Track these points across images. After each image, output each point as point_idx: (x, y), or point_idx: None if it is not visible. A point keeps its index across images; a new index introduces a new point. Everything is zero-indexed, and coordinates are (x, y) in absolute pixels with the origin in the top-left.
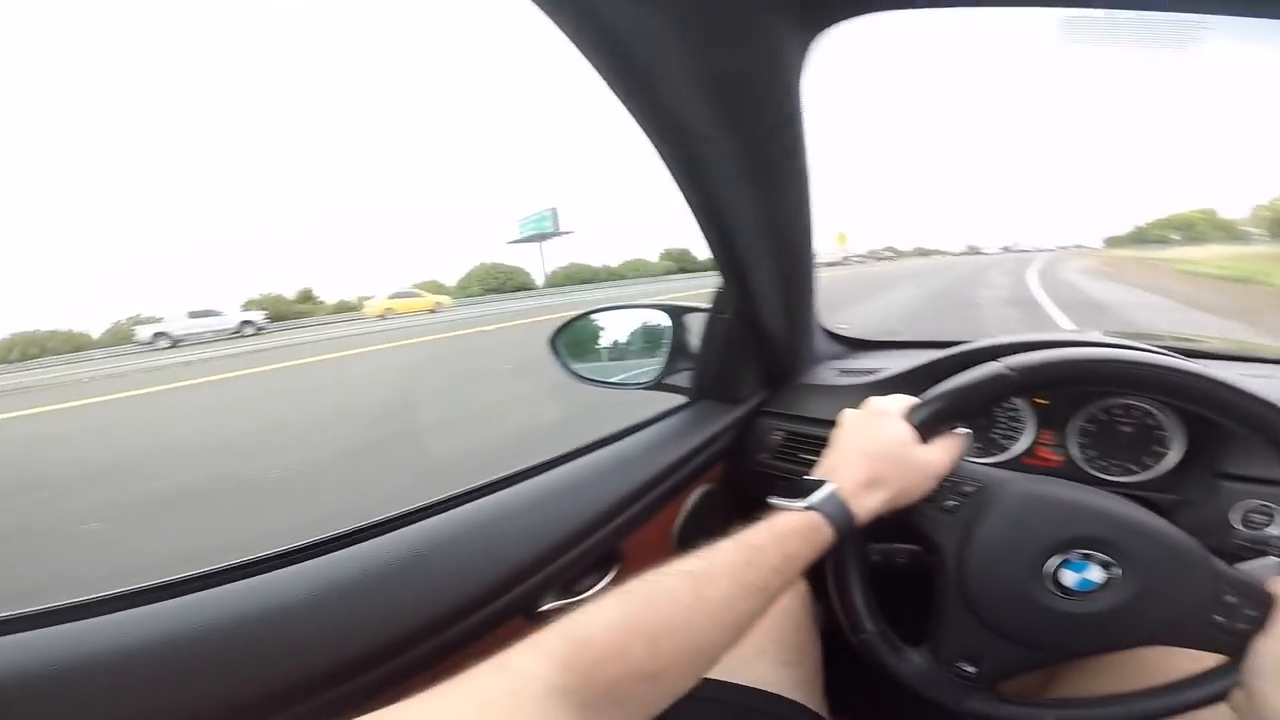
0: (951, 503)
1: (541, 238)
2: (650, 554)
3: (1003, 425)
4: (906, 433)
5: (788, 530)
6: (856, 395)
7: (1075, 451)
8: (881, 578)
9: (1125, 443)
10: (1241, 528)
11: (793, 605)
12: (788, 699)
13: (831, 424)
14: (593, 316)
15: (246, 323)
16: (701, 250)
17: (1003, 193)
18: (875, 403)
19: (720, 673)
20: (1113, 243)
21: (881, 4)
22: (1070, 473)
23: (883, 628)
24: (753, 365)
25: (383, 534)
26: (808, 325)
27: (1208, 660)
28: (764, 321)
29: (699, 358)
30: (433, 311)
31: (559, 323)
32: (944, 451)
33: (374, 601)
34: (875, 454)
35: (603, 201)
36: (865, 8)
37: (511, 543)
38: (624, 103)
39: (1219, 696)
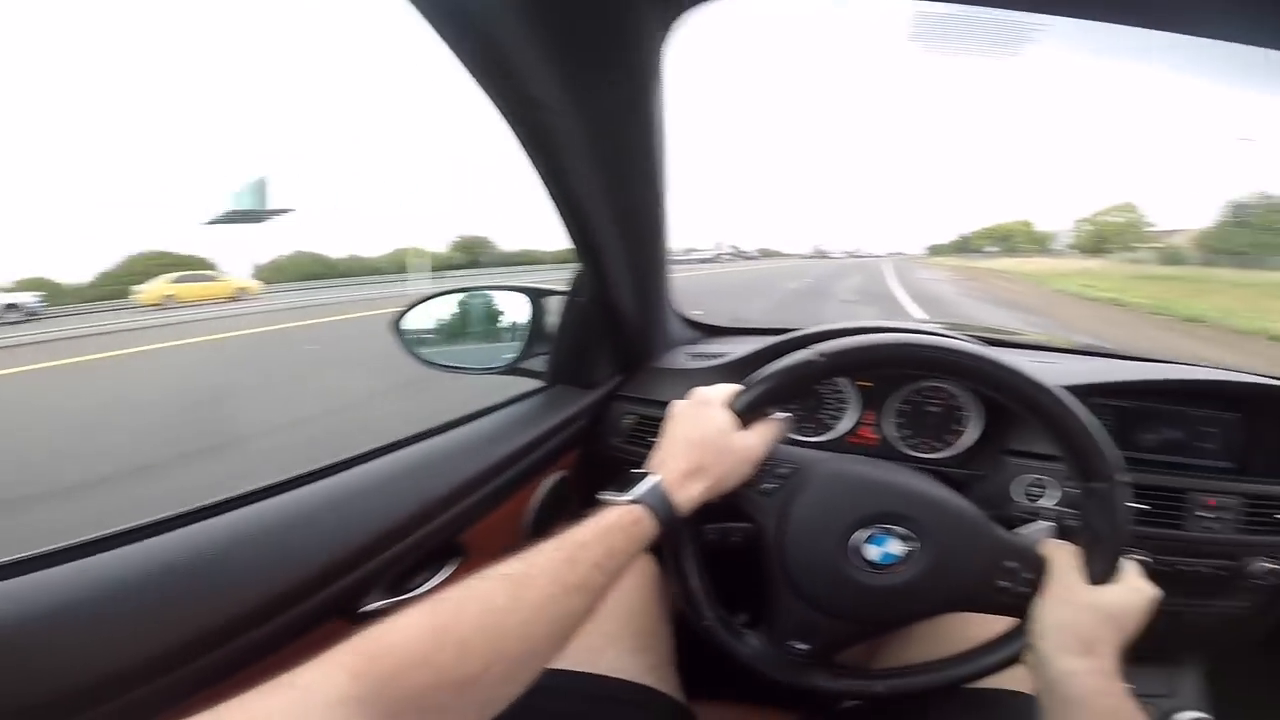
0: (769, 485)
1: (244, 219)
2: (498, 546)
3: (831, 406)
4: (727, 420)
5: (611, 525)
6: (705, 378)
7: (891, 430)
8: (721, 557)
9: (933, 422)
10: (1022, 499)
11: (643, 590)
12: (641, 685)
13: None
14: (444, 299)
15: (10, 306)
16: (546, 242)
17: (843, 197)
18: (699, 393)
19: (571, 663)
20: (936, 250)
21: None
22: (886, 451)
23: (721, 614)
24: (608, 350)
25: (192, 523)
26: (663, 310)
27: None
28: (619, 305)
29: (555, 342)
30: (234, 300)
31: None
32: (760, 437)
33: (172, 598)
34: (697, 442)
35: (349, 176)
36: None
37: (333, 533)
38: (468, 69)
39: (1014, 658)
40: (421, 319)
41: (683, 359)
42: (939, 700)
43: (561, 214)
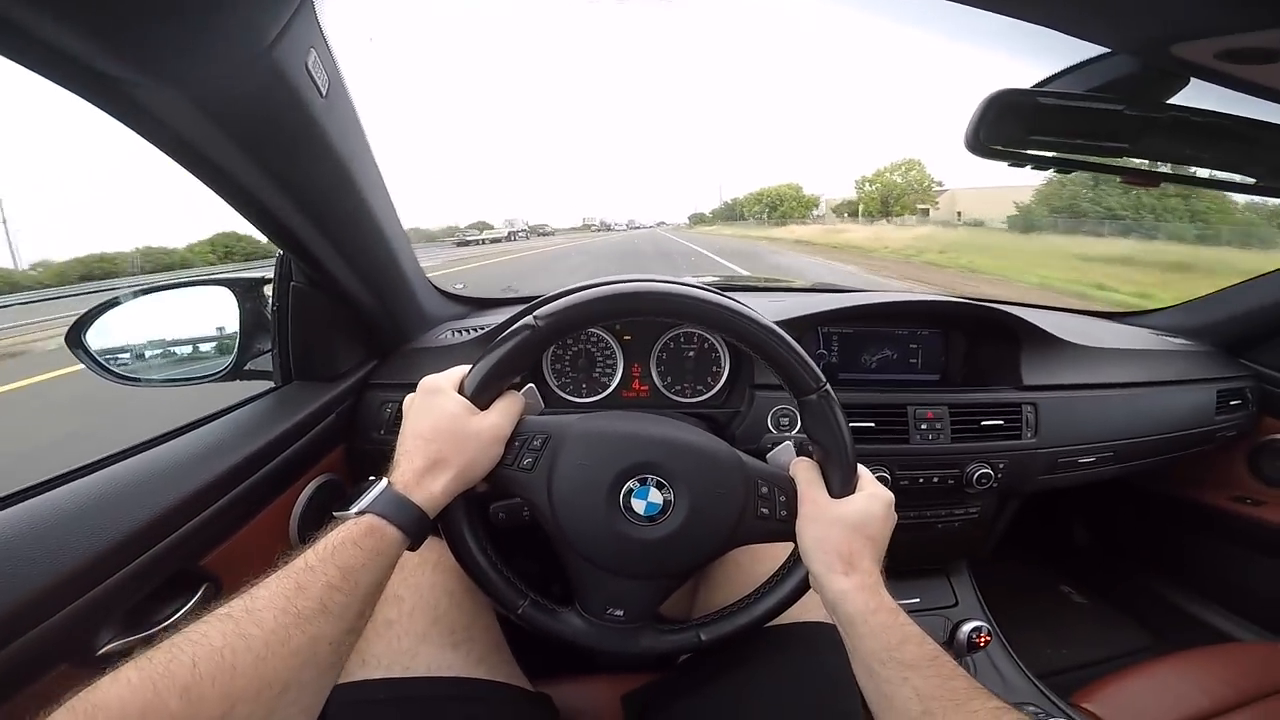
0: (528, 460)
1: None
2: (260, 566)
3: (600, 364)
4: (459, 405)
5: (340, 543)
6: (465, 351)
7: (657, 380)
8: (520, 534)
9: (691, 367)
10: (773, 430)
11: (450, 583)
12: (471, 679)
13: None
14: (128, 303)
15: None
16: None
17: (606, 168)
18: (427, 381)
19: (383, 670)
20: (697, 220)
21: None
22: (657, 400)
23: (532, 598)
24: (349, 337)
25: None
26: (406, 288)
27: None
28: (346, 289)
29: (277, 336)
30: None
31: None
32: (501, 415)
33: None
34: (429, 435)
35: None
36: None
37: (39, 560)
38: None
39: (804, 584)
40: (109, 330)
41: (445, 335)
42: (755, 640)
43: (227, 199)
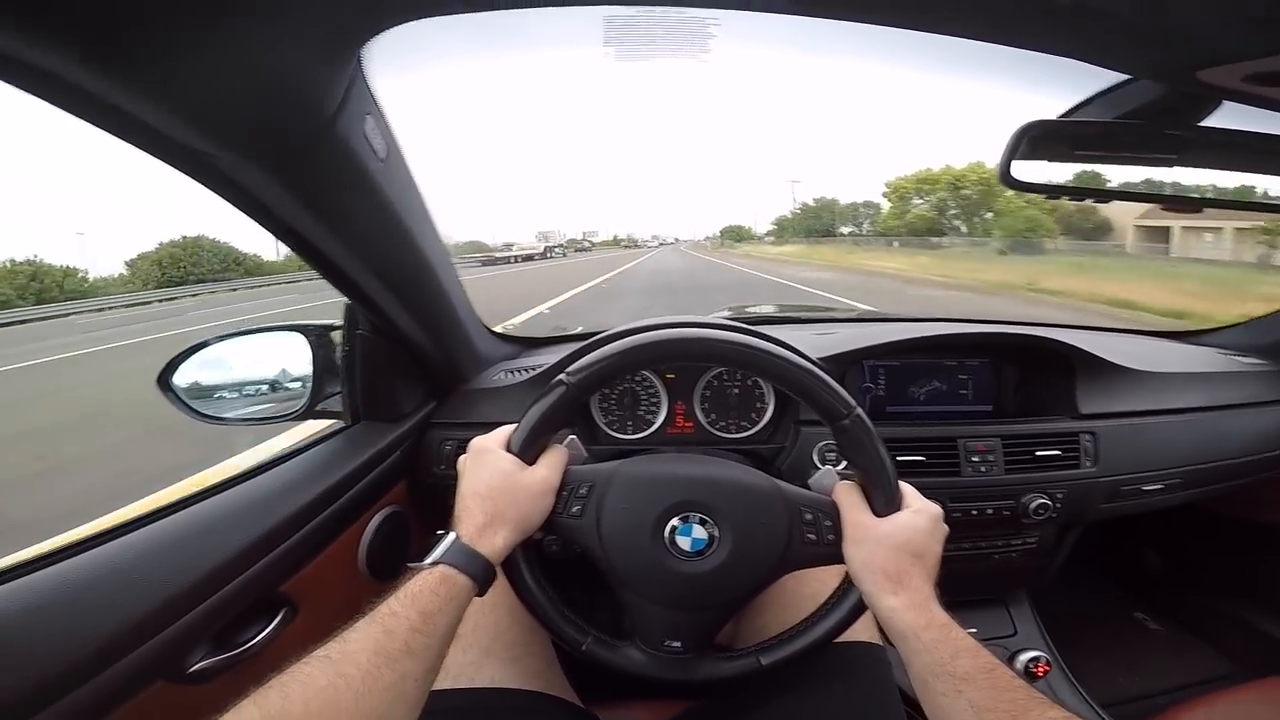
0: (576, 508)
1: None
2: (334, 591)
3: (645, 402)
4: (509, 463)
5: (419, 590)
6: (520, 392)
7: (701, 417)
8: (567, 565)
9: (735, 404)
10: (819, 465)
11: (511, 602)
12: (528, 691)
13: (500, 425)
14: (211, 347)
15: None
16: None
17: (631, 188)
18: (476, 443)
19: (450, 682)
20: (732, 235)
21: (422, 11)
22: (702, 436)
23: (594, 635)
24: (410, 379)
25: None
26: (462, 332)
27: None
28: (406, 335)
29: (345, 379)
30: None
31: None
32: (548, 468)
33: None
34: (485, 493)
35: None
36: (405, 16)
37: (137, 588)
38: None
39: (861, 604)
40: (193, 372)
41: (500, 376)
42: (806, 662)
43: (301, 255)
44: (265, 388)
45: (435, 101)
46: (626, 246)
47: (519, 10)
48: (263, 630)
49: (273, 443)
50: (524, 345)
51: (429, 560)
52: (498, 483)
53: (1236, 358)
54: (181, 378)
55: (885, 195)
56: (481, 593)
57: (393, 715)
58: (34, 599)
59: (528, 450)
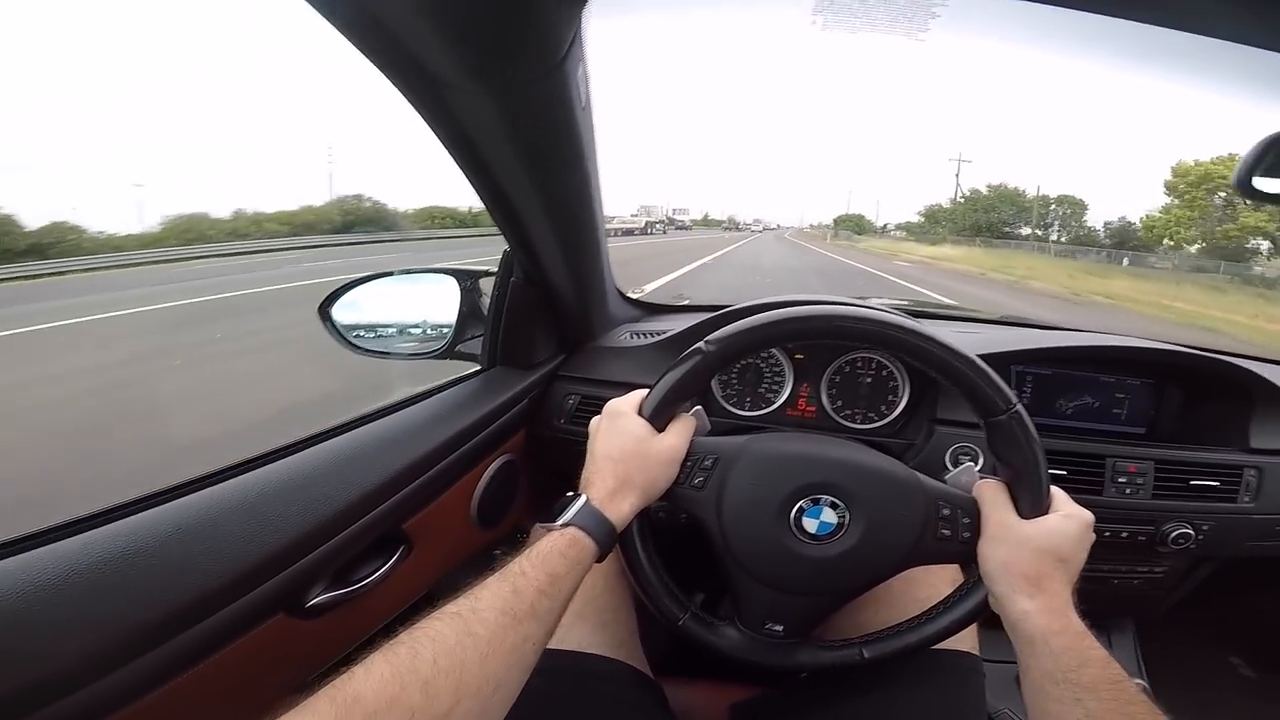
0: (699, 479)
1: None
2: (445, 534)
3: (768, 380)
4: (641, 428)
5: (549, 551)
6: (646, 355)
7: (826, 402)
8: (678, 536)
9: (865, 393)
10: (951, 467)
11: (606, 567)
12: (610, 658)
13: (624, 385)
14: (370, 283)
15: None
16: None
17: (751, 169)
18: (611, 405)
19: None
20: (849, 225)
21: None
22: (823, 422)
23: (694, 612)
24: (546, 330)
25: (132, 513)
26: (600, 289)
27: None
28: (555, 286)
29: (490, 324)
30: None
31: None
32: (678, 436)
33: (114, 592)
34: (618, 457)
35: None
36: None
37: (272, 523)
38: (356, 42)
39: (982, 606)
40: (349, 305)
41: (625, 337)
42: (892, 666)
43: (483, 197)
44: (414, 326)
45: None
46: (727, 229)
47: None
48: (380, 568)
49: None
50: (649, 310)
51: (560, 521)
52: (630, 447)
53: None
54: (340, 310)
55: (1169, 187)
56: (602, 559)
57: (509, 680)
58: (173, 528)
59: (659, 416)
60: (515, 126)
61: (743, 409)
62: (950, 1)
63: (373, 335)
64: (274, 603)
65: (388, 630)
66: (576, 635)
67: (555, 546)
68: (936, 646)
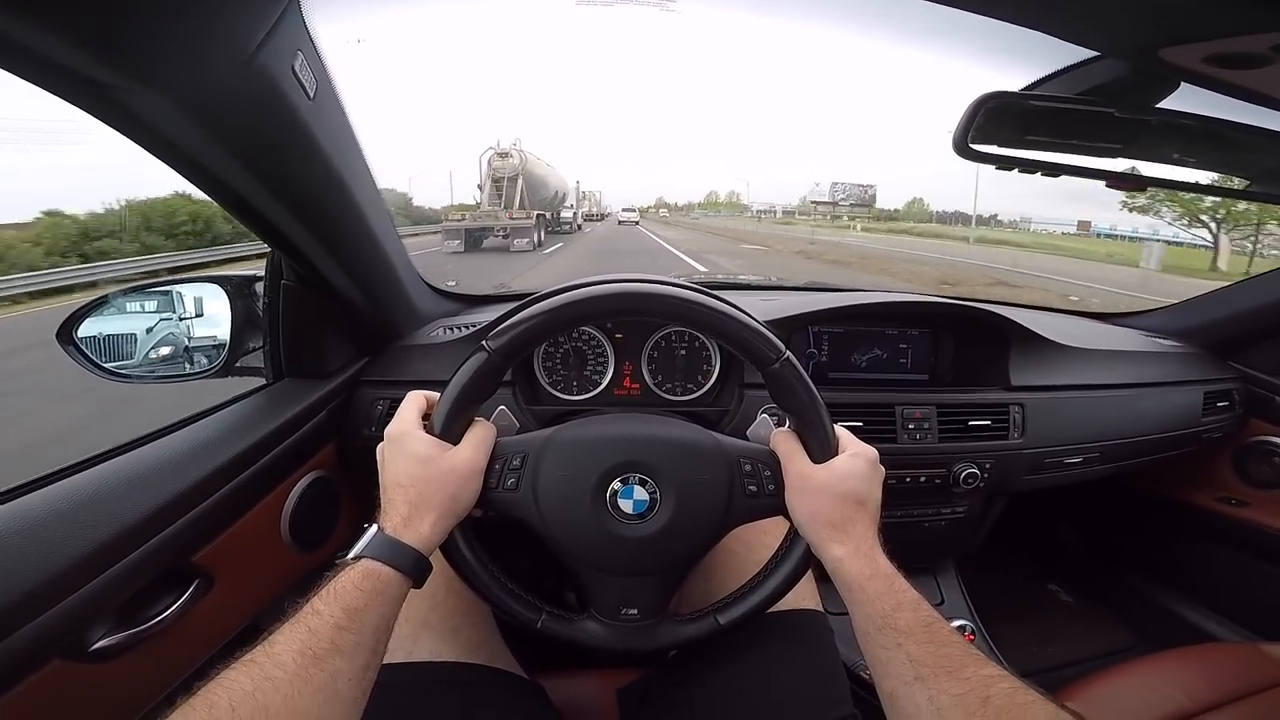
0: (511, 481)
1: None
2: (254, 563)
3: (592, 362)
4: (428, 447)
5: (343, 587)
6: (458, 349)
7: (648, 378)
8: (506, 533)
9: (682, 365)
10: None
11: (447, 571)
12: (468, 664)
13: (435, 384)
14: (118, 300)
15: None
16: None
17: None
18: (390, 430)
19: (389, 655)
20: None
21: None
22: (648, 398)
23: (548, 611)
24: (338, 334)
25: None
26: (397, 285)
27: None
28: (336, 287)
29: (269, 333)
30: None
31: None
32: (474, 447)
33: None
34: (406, 482)
35: None
36: None
37: (34, 556)
38: None
39: (808, 554)
40: (100, 326)
41: (439, 333)
42: (743, 631)
43: (215, 199)
44: (180, 344)
45: (375, 39)
46: (589, 217)
47: None
48: (173, 604)
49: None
50: (466, 302)
51: (351, 555)
52: (418, 470)
53: (1158, 339)
54: (86, 332)
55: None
56: (418, 584)
57: (329, 714)
58: None
59: (450, 429)
60: (215, 127)
61: (570, 393)
62: None
63: (132, 358)
64: (45, 646)
65: (206, 669)
66: (426, 645)
67: (349, 581)
68: (786, 608)
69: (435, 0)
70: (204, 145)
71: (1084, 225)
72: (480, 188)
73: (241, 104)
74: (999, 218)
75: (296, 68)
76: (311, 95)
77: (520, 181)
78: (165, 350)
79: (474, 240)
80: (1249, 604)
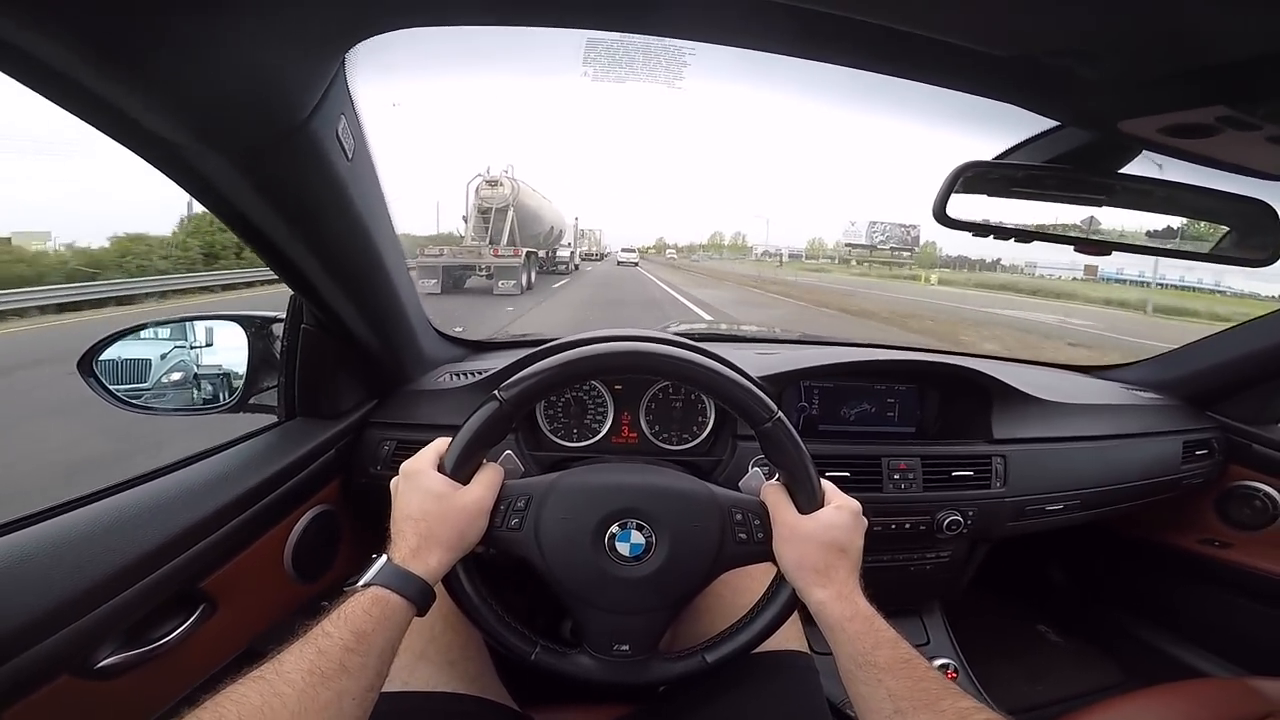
0: (514, 521)
1: None
2: (256, 590)
3: (592, 411)
4: (441, 484)
5: (352, 611)
6: (464, 396)
7: (645, 428)
8: (504, 570)
9: (678, 417)
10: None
11: (444, 606)
12: (462, 695)
13: (441, 429)
14: (142, 334)
15: None
16: None
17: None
18: (407, 466)
19: (386, 684)
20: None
21: (408, 21)
22: (645, 447)
23: (543, 645)
24: (351, 377)
25: None
26: (407, 331)
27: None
28: (352, 331)
29: (285, 373)
30: None
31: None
32: (483, 488)
33: None
34: (418, 515)
35: None
36: (391, 25)
37: (47, 579)
38: (72, 109)
39: (794, 598)
40: (120, 358)
41: (445, 379)
42: (732, 670)
43: (252, 247)
44: (197, 380)
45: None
46: (588, 256)
47: (504, 28)
48: (178, 626)
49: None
50: (472, 348)
51: (361, 582)
52: (430, 506)
53: (1137, 392)
54: (107, 364)
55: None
56: (422, 612)
57: None
58: None
59: (460, 469)
60: (264, 185)
61: (570, 440)
62: (697, 50)
63: (150, 391)
64: (55, 663)
65: (204, 688)
66: (423, 676)
67: (359, 605)
68: (773, 649)
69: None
70: (251, 200)
71: (1090, 270)
72: (465, 219)
73: (289, 165)
74: (1002, 262)
75: (339, 131)
76: (350, 156)
77: (511, 214)
78: (176, 376)
79: (454, 280)
80: (1236, 640)
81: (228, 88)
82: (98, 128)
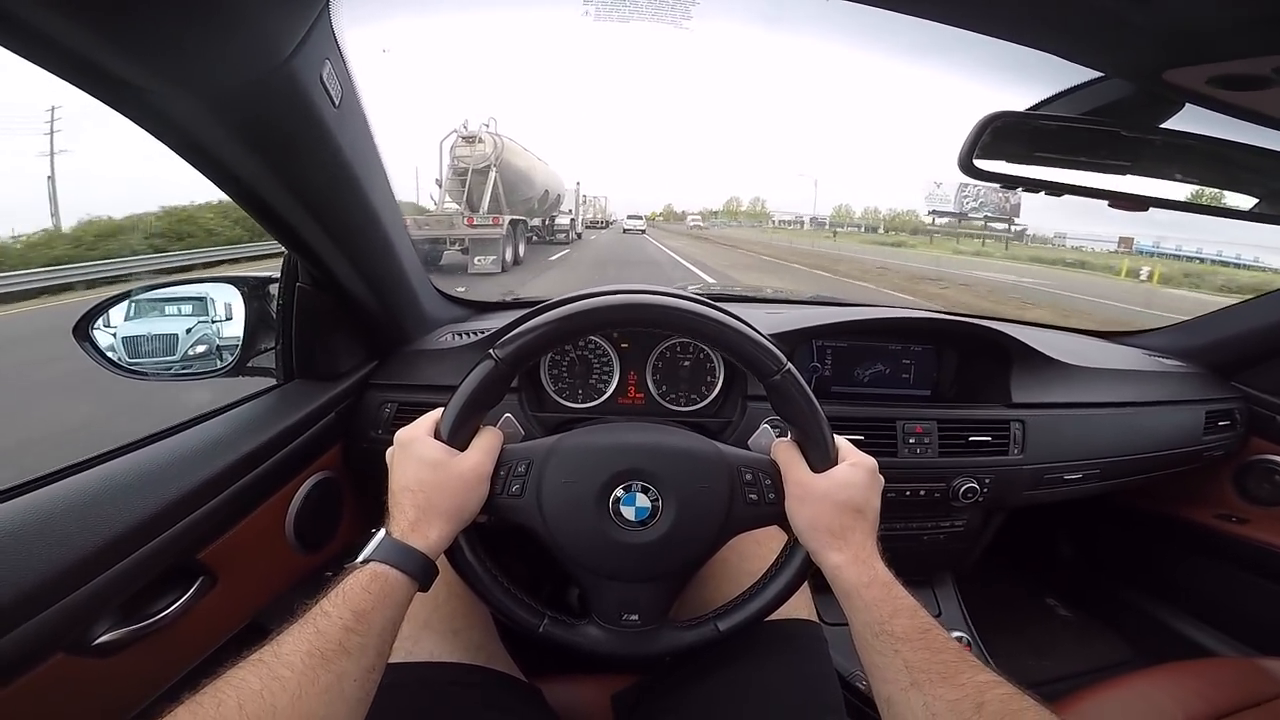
0: (515, 487)
1: None
2: (257, 562)
3: (597, 371)
4: (437, 452)
5: (351, 589)
6: (466, 355)
7: (652, 388)
8: (507, 538)
9: (686, 376)
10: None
11: (448, 575)
12: (468, 665)
13: (442, 389)
14: (137, 297)
15: None
16: None
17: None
18: (401, 435)
19: (391, 657)
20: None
21: None
22: (651, 408)
23: (550, 616)
24: (350, 337)
25: None
26: (407, 290)
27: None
28: (349, 290)
29: (282, 334)
30: None
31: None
32: (481, 452)
33: None
34: (415, 487)
35: None
36: None
37: (35, 552)
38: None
39: (807, 563)
40: (117, 323)
41: (447, 338)
42: (740, 640)
43: (237, 201)
44: (193, 344)
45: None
46: (593, 224)
47: None
48: (176, 600)
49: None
50: (474, 309)
51: (360, 559)
52: (427, 475)
53: (1160, 358)
54: (103, 329)
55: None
56: (424, 588)
57: (334, 715)
58: None
59: (457, 435)
60: (241, 129)
61: (575, 401)
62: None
63: (146, 354)
64: (49, 640)
65: (206, 666)
66: (427, 646)
67: (357, 583)
68: (782, 618)
69: (448, 6)
70: (230, 148)
71: (1126, 242)
72: (438, 183)
73: (269, 110)
74: (1029, 232)
75: (324, 76)
76: (337, 103)
77: (493, 175)
78: (178, 348)
79: (425, 257)
80: (1246, 620)
81: (193, 24)
82: (51, 70)
